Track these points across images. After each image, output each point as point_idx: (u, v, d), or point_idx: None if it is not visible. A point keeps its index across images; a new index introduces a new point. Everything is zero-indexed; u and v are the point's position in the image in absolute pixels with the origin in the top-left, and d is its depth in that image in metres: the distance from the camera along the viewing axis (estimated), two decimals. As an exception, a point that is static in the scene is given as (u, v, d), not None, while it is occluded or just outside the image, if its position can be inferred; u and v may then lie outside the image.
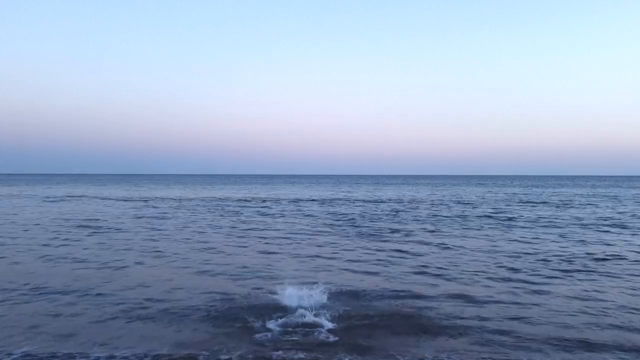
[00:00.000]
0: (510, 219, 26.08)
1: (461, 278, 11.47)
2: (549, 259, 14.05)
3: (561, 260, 13.90)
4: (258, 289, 10.30)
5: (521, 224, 23.62)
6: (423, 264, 13.14)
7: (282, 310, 8.55)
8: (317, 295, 9.38)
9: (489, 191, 66.12)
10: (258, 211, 31.60)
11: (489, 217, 27.19)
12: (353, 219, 26.17)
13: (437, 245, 16.45)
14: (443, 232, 20.31)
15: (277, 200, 44.24)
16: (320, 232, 20.49)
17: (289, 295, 9.30)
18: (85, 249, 15.65)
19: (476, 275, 11.80)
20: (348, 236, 19.06)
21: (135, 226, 22.30)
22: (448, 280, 11.28)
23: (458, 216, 27.49)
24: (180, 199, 45.55)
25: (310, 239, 18.36)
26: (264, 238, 18.48)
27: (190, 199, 45.58)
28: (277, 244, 16.90)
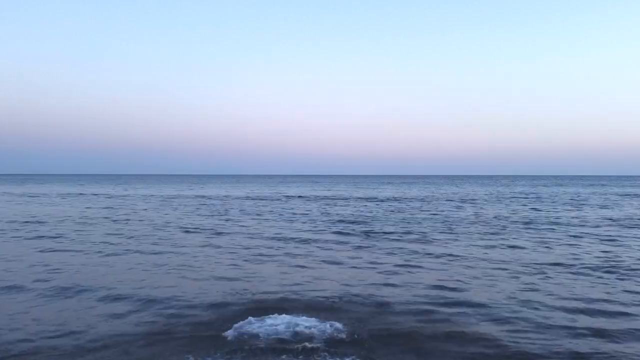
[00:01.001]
0: (531, 220, 22.92)
1: (500, 303, 8.30)
2: (610, 272, 10.87)
3: (625, 273, 10.74)
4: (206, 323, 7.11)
5: (546, 225, 20.46)
6: (450, 284, 9.95)
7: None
8: (303, 329, 6.45)
9: (497, 190, 63.01)
10: (248, 211, 28.40)
11: (508, 218, 24.03)
12: (354, 220, 22.99)
13: (460, 256, 13.26)
14: (462, 235, 17.12)
15: (271, 199, 41.05)
16: (316, 236, 17.29)
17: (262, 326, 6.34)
18: None
19: (517, 295, 8.63)
20: (348, 242, 15.87)
21: (92, 228, 19.11)
22: (487, 306, 8.10)
23: (473, 216, 24.34)
24: (165, 197, 42.36)
25: (302, 244, 15.16)
26: (245, 246, 15.27)
27: (178, 197, 42.43)
28: (261, 252, 13.69)
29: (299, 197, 45.57)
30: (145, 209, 29.00)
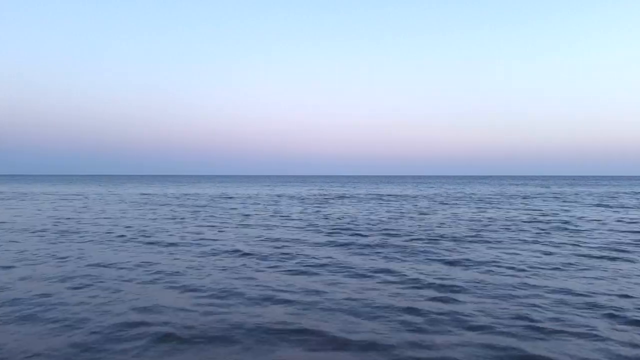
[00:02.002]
0: (577, 226, 18.61)
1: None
2: None
3: None
4: None
5: (599, 232, 16.14)
6: (527, 343, 5.56)
7: None
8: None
9: (515, 190, 58.74)
10: (224, 214, 23.96)
11: (547, 221, 19.70)
12: (360, 224, 18.59)
13: (521, 284, 8.87)
14: (505, 247, 12.72)
15: (262, 199, 36.62)
16: (308, 250, 12.89)
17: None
18: None
19: None
20: (357, 254, 11.46)
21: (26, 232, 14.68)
22: None
23: (503, 219, 19.94)
24: (143, 197, 37.93)
25: (284, 261, 10.75)
26: (193, 268, 10.87)
27: (158, 195, 37.99)
28: (218, 281, 9.28)
29: (294, 197, 41.19)
30: (103, 210, 24.55)
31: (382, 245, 12.78)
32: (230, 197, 39.44)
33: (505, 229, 16.88)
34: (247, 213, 23.62)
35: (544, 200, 35.15)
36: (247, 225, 17.87)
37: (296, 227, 17.30)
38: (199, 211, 24.62)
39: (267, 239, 14.07)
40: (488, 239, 14.06)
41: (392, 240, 13.86)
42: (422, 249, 12.16)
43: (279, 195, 43.13)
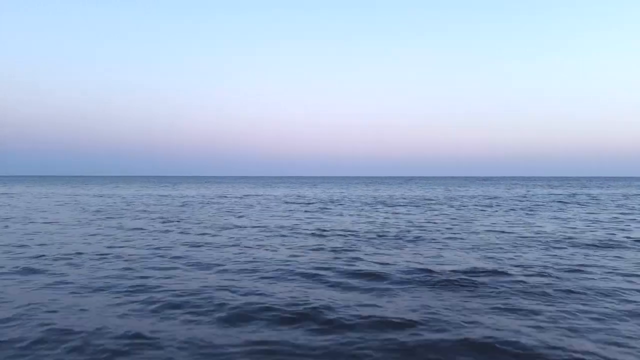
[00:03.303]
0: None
1: None
2: None
3: None
4: None
5: None
6: None
7: None
8: None
9: (536, 193, 53.11)
10: (176, 227, 18.08)
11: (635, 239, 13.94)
12: (375, 248, 12.77)
13: None
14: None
15: (247, 202, 30.78)
16: (297, 290, 7.08)
17: None
18: None
19: None
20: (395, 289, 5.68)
21: None
22: None
23: (577, 231, 14.18)
24: (118, 197, 32.08)
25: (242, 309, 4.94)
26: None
27: (143, 196, 32.20)
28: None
29: (286, 201, 35.40)
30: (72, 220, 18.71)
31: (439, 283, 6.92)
32: (210, 202, 33.63)
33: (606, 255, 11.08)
34: (219, 224, 17.79)
35: (581, 206, 29.43)
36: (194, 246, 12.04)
37: (281, 250, 11.47)
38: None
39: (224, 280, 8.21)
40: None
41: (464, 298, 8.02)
42: (501, 283, 6.30)
43: (269, 199, 37.33)
